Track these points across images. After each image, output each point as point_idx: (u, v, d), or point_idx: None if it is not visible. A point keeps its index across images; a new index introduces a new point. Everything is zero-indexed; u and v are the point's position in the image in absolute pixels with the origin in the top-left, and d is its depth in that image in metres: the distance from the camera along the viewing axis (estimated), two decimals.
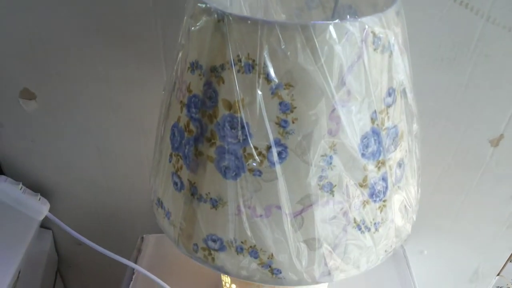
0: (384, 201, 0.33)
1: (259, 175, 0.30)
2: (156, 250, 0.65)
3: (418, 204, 0.39)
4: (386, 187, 0.32)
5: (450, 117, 0.53)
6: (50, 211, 0.73)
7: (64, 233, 0.82)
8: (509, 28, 0.45)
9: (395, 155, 0.33)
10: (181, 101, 0.33)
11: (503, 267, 0.68)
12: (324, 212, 0.31)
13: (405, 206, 0.36)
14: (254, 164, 0.29)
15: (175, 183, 0.34)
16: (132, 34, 0.53)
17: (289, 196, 0.30)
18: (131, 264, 0.49)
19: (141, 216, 0.70)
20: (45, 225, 0.80)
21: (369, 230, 0.33)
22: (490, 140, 0.54)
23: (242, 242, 0.32)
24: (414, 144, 0.36)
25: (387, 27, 0.28)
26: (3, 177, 0.45)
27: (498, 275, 0.69)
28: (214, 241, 0.33)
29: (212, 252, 0.34)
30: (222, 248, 0.33)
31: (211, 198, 0.32)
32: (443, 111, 0.52)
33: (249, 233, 0.31)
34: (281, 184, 0.29)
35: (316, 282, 0.33)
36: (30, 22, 0.54)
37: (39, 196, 0.50)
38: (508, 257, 0.66)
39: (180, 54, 0.32)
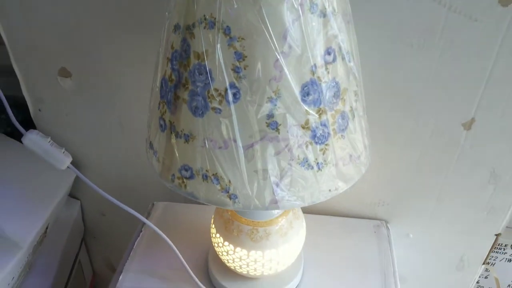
0: (326, 144, 0.39)
1: (219, 113, 0.37)
2: (163, 215, 0.73)
3: (367, 161, 0.45)
4: (328, 133, 0.39)
5: (423, 100, 0.58)
6: (76, 179, 0.84)
7: (90, 204, 0.92)
8: (470, 16, 0.50)
9: (338, 107, 0.39)
10: (167, 58, 0.41)
11: (488, 255, 0.71)
12: (271, 147, 0.38)
13: (350, 156, 0.42)
14: (215, 103, 0.37)
15: (161, 125, 0.43)
16: (150, 23, 0.63)
17: (242, 131, 0.37)
18: (142, 218, 0.56)
19: (153, 186, 0.79)
20: (74, 194, 0.91)
21: (312, 168, 0.39)
22: (462, 123, 0.58)
23: (206, 171, 0.40)
24: (360, 105, 0.42)
25: None
26: (35, 131, 0.55)
27: (484, 263, 0.72)
28: (186, 170, 0.41)
29: (185, 180, 0.41)
30: (192, 176, 0.41)
31: (184, 134, 0.40)
32: (417, 94, 0.58)
33: (211, 162, 0.39)
34: (235, 120, 0.37)
35: (265, 209, 0.39)
36: (70, 9, 0.64)
37: (63, 149, 0.59)
38: (491, 244, 0.69)
39: (168, 21, 0.41)
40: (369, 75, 0.57)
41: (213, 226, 0.56)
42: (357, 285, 0.60)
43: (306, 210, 0.71)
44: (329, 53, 0.37)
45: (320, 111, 0.38)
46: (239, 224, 0.53)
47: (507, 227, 0.69)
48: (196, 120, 0.39)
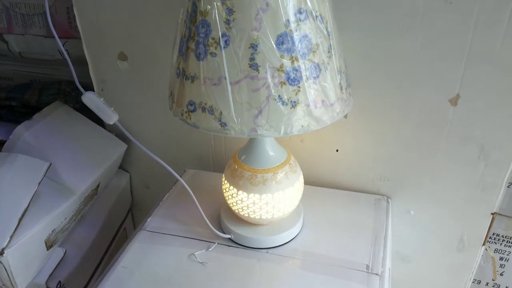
0: (299, 87, 0.49)
1: (215, 56, 0.49)
2: (192, 178, 0.85)
3: (342, 111, 0.54)
4: (300, 77, 0.49)
5: (412, 78, 0.65)
6: (127, 151, 0.99)
7: (137, 176, 1.06)
8: (445, 0, 0.58)
9: (309, 57, 0.49)
10: (184, 20, 0.54)
11: (486, 236, 0.74)
12: (252, 84, 0.48)
13: (323, 101, 0.51)
14: (212, 49, 0.49)
15: (177, 73, 0.55)
16: None
17: (230, 70, 0.48)
18: (175, 174, 0.68)
19: (187, 157, 0.92)
20: (125, 168, 1.06)
21: (286, 104, 0.49)
22: (449, 99, 0.65)
23: (205, 104, 0.51)
24: (333, 62, 0.51)
25: None
26: (92, 91, 0.70)
27: (483, 245, 0.75)
28: (191, 105, 0.53)
29: (190, 113, 0.53)
30: (194, 110, 0.52)
31: (191, 76, 0.52)
32: (405, 73, 0.65)
33: (208, 97, 0.50)
34: (225, 62, 0.48)
35: (248, 135, 0.50)
36: (130, 4, 0.80)
37: (112, 108, 0.73)
38: (488, 224, 0.73)
39: None
40: (364, 56, 0.66)
41: (224, 175, 0.67)
42: (349, 241, 0.67)
43: (311, 182, 0.80)
44: (300, 12, 0.48)
45: (293, 58, 0.48)
46: (242, 170, 0.63)
47: None
48: (199, 64, 0.51)
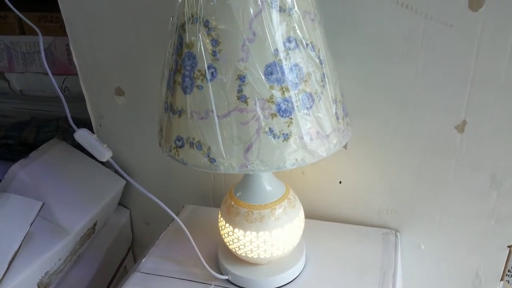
0: (291, 118, 0.46)
1: (202, 89, 0.47)
2: (190, 215, 0.82)
3: (339, 143, 0.51)
4: (292, 108, 0.46)
5: (415, 105, 0.62)
6: (127, 187, 0.96)
7: (137, 212, 1.03)
8: (445, 23, 0.56)
9: (301, 87, 0.47)
10: (172, 53, 0.52)
11: (504, 270, 0.69)
12: (241, 117, 0.46)
13: (317, 132, 0.48)
14: (199, 81, 0.47)
15: (165, 108, 0.53)
16: None
17: (218, 103, 0.46)
18: (171, 212, 0.64)
19: (186, 193, 0.89)
20: (125, 204, 1.03)
21: (278, 137, 0.46)
22: (455, 126, 0.61)
23: (192, 139, 0.48)
24: (328, 92, 0.49)
25: None
26: (85, 128, 0.67)
27: (502, 280, 0.70)
28: (179, 140, 0.50)
29: (178, 149, 0.50)
30: (182, 145, 0.50)
31: (178, 110, 0.49)
32: (408, 99, 0.62)
33: (195, 131, 0.48)
34: (212, 94, 0.46)
35: (238, 171, 0.47)
36: (125, 37, 0.79)
37: (105, 145, 0.71)
38: (506, 258, 0.68)
39: (171, 26, 0.52)
40: (362, 83, 0.64)
41: (220, 212, 0.64)
42: (355, 279, 0.63)
43: (314, 216, 0.76)
44: (289, 41, 0.46)
45: (283, 89, 0.46)
46: (238, 207, 0.60)
47: None
48: (186, 97, 0.48)
